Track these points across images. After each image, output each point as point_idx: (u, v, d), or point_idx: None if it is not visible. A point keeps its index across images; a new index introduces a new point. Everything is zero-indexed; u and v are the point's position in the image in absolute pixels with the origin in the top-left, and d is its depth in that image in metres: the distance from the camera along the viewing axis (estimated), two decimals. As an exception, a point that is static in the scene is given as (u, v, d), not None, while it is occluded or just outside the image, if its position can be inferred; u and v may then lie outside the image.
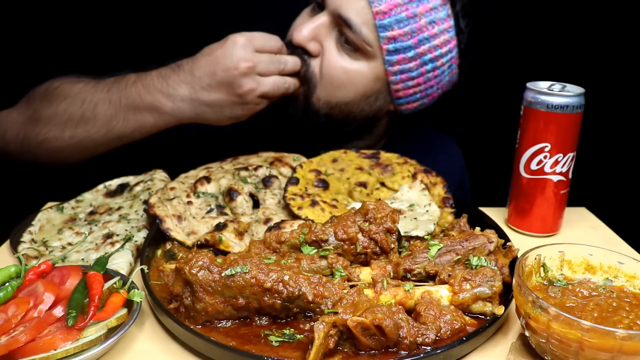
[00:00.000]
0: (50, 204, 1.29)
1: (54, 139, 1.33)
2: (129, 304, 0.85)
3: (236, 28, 1.30)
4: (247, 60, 1.24)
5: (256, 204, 1.19)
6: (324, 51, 1.37)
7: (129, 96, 1.28)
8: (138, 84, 1.29)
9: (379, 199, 1.01)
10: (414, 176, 1.26)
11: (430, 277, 0.91)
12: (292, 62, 1.33)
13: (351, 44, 1.34)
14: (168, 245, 1.08)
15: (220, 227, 1.07)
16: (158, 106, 1.27)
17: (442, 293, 0.87)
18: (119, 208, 1.22)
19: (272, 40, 1.31)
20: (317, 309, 0.84)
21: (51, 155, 1.36)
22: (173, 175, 1.30)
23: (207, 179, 1.22)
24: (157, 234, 1.08)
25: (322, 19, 1.36)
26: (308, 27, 1.36)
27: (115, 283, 0.87)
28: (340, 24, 1.33)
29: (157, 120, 1.30)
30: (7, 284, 0.85)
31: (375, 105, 1.46)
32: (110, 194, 1.30)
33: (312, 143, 1.49)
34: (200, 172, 1.28)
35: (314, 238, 0.93)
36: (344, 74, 1.37)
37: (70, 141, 1.32)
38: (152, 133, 1.33)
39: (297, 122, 1.45)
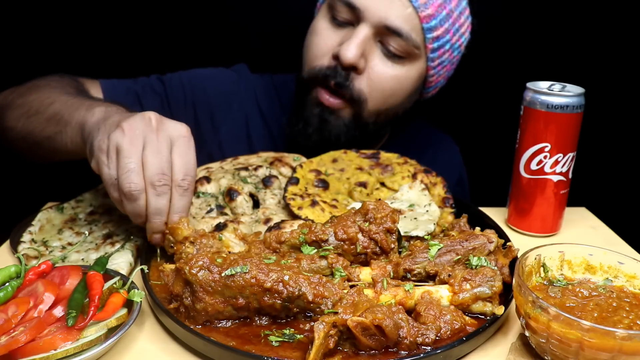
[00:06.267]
0: (50, 204, 1.29)
1: (9, 129, 1.29)
2: (129, 304, 0.85)
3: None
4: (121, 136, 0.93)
5: (256, 204, 1.19)
6: (368, 65, 1.35)
7: (77, 115, 1.12)
8: (91, 108, 1.11)
9: (379, 199, 1.01)
10: (414, 176, 1.26)
11: (430, 277, 0.91)
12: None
13: (396, 51, 1.33)
14: (168, 245, 1.08)
15: (220, 227, 1.07)
16: (79, 125, 1.10)
17: (442, 293, 0.86)
18: (119, 208, 1.22)
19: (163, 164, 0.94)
20: (317, 309, 0.84)
21: (8, 146, 1.33)
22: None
23: (207, 179, 1.22)
24: (157, 234, 1.08)
25: (364, 32, 1.31)
26: (355, 44, 1.30)
27: (115, 283, 0.87)
28: (385, 33, 1.31)
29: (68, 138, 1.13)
30: (7, 284, 0.85)
31: (413, 100, 1.49)
32: (110, 194, 1.30)
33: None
34: (200, 172, 1.28)
35: (314, 238, 0.93)
36: (395, 82, 1.37)
37: (19, 134, 1.26)
38: (63, 155, 1.18)
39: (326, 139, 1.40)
